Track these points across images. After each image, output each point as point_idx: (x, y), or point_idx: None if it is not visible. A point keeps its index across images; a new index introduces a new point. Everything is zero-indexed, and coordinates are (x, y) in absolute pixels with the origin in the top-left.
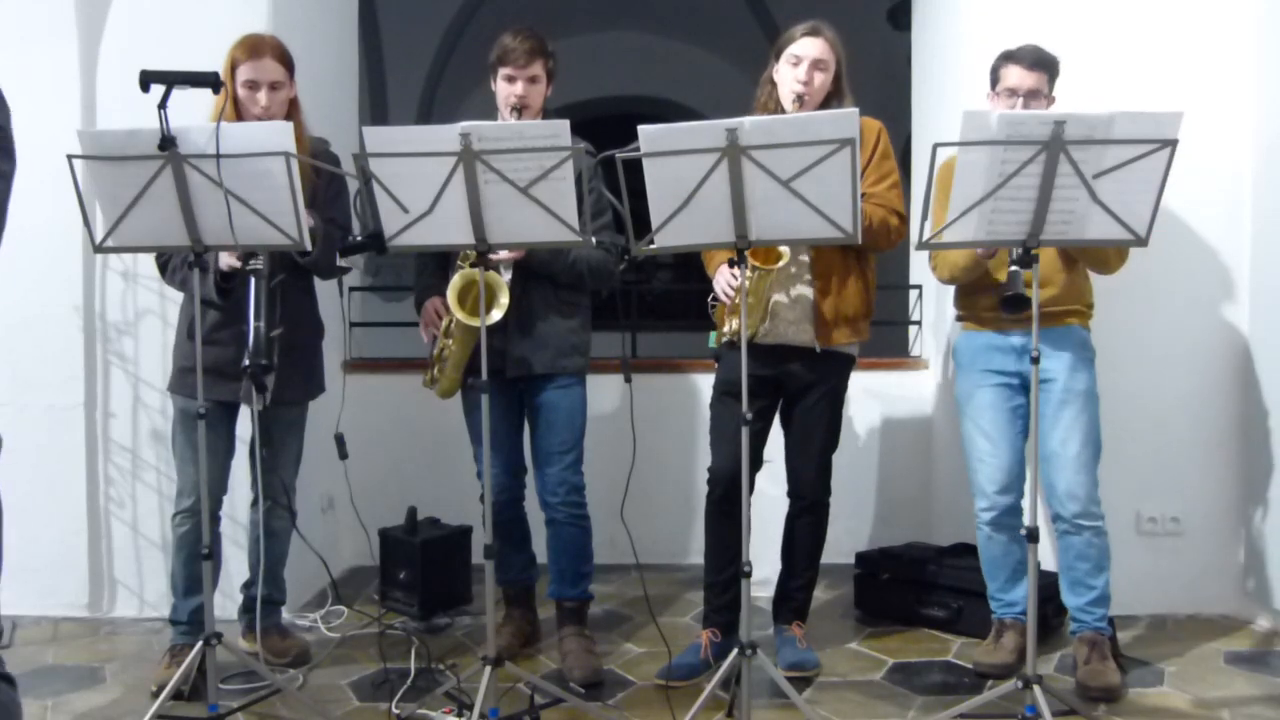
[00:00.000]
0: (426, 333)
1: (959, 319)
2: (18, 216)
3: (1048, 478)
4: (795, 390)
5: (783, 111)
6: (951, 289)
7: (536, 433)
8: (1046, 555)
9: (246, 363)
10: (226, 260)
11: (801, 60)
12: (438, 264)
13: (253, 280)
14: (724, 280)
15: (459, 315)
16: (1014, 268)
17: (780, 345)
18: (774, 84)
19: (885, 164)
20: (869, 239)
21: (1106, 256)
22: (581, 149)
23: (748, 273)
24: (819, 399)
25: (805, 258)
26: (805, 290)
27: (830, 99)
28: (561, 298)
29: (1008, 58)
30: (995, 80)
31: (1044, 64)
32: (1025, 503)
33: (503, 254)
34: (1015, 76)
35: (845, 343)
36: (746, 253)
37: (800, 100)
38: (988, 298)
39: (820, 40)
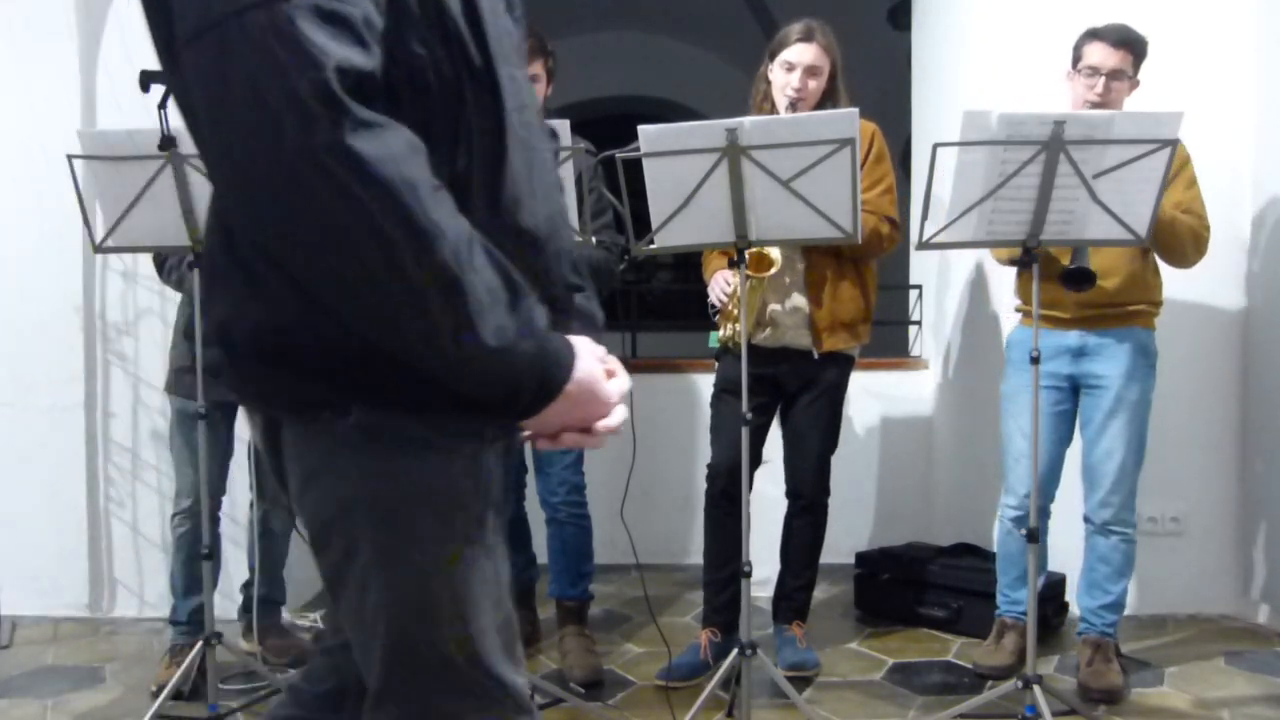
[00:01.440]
0: None
1: (1017, 310)
2: (18, 217)
3: (1087, 482)
4: (793, 390)
5: (778, 113)
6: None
7: None
8: (1050, 556)
9: None
10: None
11: (795, 67)
12: None
13: None
14: (718, 288)
15: None
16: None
17: (780, 347)
18: (769, 82)
19: (879, 168)
20: (860, 247)
21: (1181, 246)
22: (582, 149)
23: (744, 274)
24: (816, 398)
25: (800, 267)
26: (801, 301)
27: (825, 101)
28: None
29: (1092, 35)
30: (1077, 58)
31: (1129, 43)
32: (1056, 508)
33: None
34: (1098, 54)
35: (843, 347)
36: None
37: (794, 106)
38: (1046, 292)
39: (813, 46)
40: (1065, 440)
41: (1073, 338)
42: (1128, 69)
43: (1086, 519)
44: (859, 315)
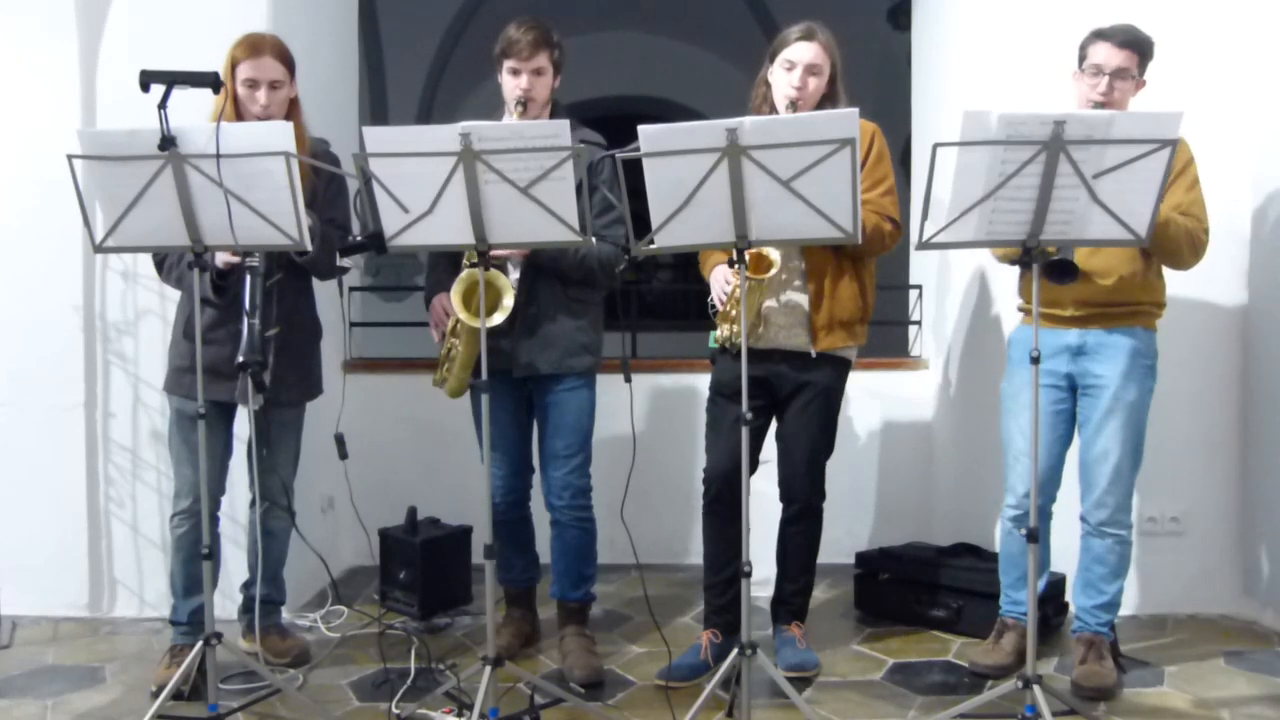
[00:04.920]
0: (436, 331)
1: (1019, 309)
2: (17, 216)
3: (1083, 482)
4: (787, 392)
5: (778, 114)
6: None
7: (544, 434)
8: (1052, 556)
9: (241, 359)
10: (222, 257)
11: (795, 66)
12: (449, 261)
13: (248, 277)
14: (718, 288)
15: (463, 316)
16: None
17: (772, 349)
18: (769, 85)
19: (879, 168)
20: (861, 246)
21: (1176, 247)
22: (582, 148)
23: (743, 276)
24: (810, 401)
25: (798, 264)
26: (798, 296)
27: (825, 101)
28: (571, 296)
29: (1098, 35)
30: (1082, 57)
31: (1135, 44)
32: (1055, 506)
33: (509, 250)
34: (1103, 53)
35: (840, 347)
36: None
37: (794, 106)
38: (1047, 291)
39: (814, 44)
40: (1065, 439)
41: (1072, 336)
42: (1133, 69)
43: (1082, 519)
44: (857, 314)
